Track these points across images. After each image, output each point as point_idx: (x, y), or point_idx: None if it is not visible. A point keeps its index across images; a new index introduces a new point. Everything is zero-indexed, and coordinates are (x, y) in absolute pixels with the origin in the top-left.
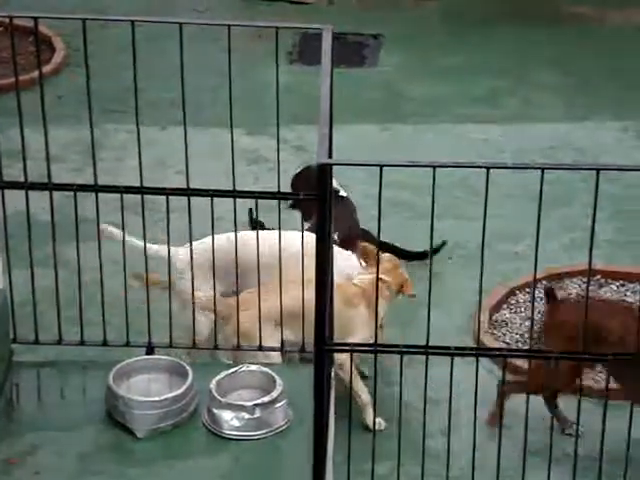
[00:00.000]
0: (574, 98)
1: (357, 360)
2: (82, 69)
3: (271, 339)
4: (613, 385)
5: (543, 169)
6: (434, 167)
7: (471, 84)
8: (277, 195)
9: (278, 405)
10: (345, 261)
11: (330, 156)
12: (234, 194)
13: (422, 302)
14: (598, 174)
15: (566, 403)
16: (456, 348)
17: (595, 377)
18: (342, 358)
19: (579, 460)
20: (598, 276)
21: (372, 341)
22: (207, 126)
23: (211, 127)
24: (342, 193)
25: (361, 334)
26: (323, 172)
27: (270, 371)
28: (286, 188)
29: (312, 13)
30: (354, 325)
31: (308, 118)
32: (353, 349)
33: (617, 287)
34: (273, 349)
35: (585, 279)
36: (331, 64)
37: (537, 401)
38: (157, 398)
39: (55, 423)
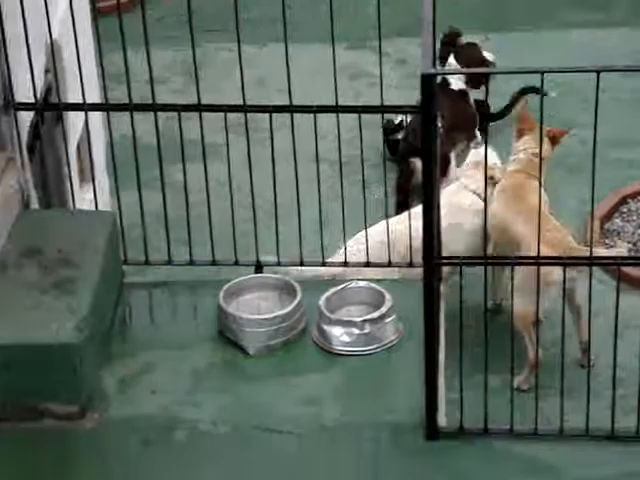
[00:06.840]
0: None
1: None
2: None
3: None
4: None
5: None
6: (542, 72)
7: None
8: (381, 109)
9: (388, 320)
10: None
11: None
12: (337, 109)
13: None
14: None
15: None
16: (570, 258)
17: None
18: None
19: None
20: None
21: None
22: (307, 42)
23: (311, 43)
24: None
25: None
26: (427, 83)
27: (378, 287)
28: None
29: None
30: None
31: (410, 30)
32: (462, 262)
33: None
34: (380, 265)
35: None
36: None
37: None
38: (267, 316)
39: (168, 342)
